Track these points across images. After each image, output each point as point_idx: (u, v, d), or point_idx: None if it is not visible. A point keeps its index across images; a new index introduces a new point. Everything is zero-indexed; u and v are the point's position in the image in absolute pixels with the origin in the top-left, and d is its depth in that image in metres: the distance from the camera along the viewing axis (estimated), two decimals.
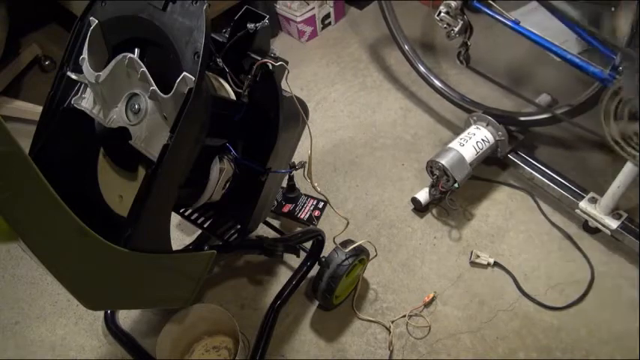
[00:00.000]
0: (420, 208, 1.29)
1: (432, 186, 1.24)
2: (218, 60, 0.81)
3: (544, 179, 1.24)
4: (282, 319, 1.10)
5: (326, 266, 1.03)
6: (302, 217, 1.31)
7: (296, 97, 0.86)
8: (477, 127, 1.28)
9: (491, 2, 1.19)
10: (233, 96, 0.84)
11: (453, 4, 1.21)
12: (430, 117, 1.53)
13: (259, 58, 0.80)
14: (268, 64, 0.79)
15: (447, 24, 1.25)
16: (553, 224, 1.23)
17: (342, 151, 1.46)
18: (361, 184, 1.38)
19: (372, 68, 1.71)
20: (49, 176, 0.58)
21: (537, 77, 1.54)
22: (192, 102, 0.67)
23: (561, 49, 1.11)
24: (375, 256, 1.18)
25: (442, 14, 1.24)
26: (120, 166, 0.83)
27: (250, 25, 0.78)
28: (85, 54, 0.76)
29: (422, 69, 1.51)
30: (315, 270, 1.08)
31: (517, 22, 1.16)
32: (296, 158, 1.03)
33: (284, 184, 1.31)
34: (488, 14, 1.20)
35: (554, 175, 1.25)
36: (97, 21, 0.77)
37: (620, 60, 1.00)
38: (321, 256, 1.10)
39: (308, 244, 1.12)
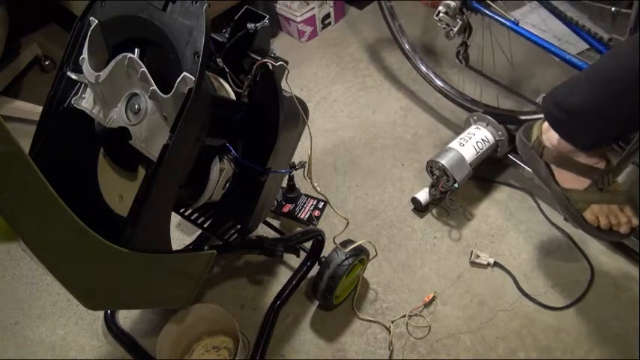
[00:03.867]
0: (420, 208, 1.29)
1: (432, 186, 1.24)
2: (218, 60, 0.81)
3: None
4: (282, 319, 1.10)
5: (326, 266, 1.03)
6: (302, 217, 1.31)
7: (296, 97, 0.86)
8: (477, 127, 1.28)
9: (489, 2, 1.19)
10: (233, 96, 0.84)
11: (452, 4, 1.22)
12: (430, 117, 1.53)
13: (259, 58, 0.80)
14: (268, 64, 0.79)
15: (446, 24, 1.25)
16: (553, 224, 1.23)
17: (342, 151, 1.46)
18: (361, 184, 1.38)
19: (372, 68, 1.71)
20: (49, 176, 0.58)
21: (537, 77, 1.54)
22: (192, 102, 0.67)
23: (560, 50, 1.11)
24: (375, 256, 1.18)
25: (441, 14, 1.24)
26: (120, 166, 0.83)
27: (250, 25, 0.78)
28: (85, 54, 0.76)
29: (422, 68, 1.51)
30: (315, 270, 1.08)
31: (516, 23, 1.16)
32: (296, 158, 1.03)
33: (284, 184, 1.31)
34: (487, 14, 1.20)
35: None
36: (97, 21, 0.77)
37: None
38: (321, 256, 1.10)
39: (308, 244, 1.13)
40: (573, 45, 1.29)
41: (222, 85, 0.84)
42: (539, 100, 1.33)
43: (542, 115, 1.25)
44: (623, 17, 1.00)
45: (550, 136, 0.97)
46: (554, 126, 0.95)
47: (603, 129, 0.88)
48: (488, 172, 1.34)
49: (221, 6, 1.68)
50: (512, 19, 1.16)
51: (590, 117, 0.87)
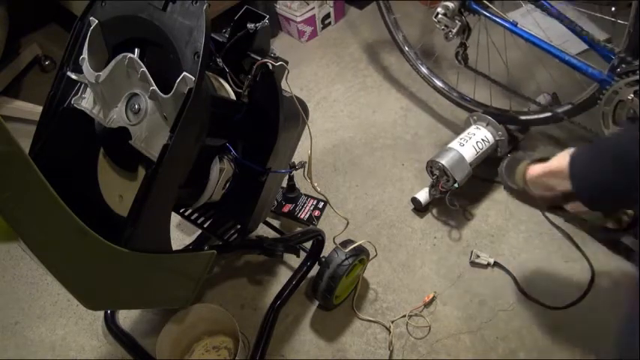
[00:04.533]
0: (420, 208, 1.29)
1: (432, 186, 1.24)
2: (218, 60, 0.81)
3: None
4: (282, 319, 1.10)
5: (326, 266, 1.03)
6: (302, 217, 1.31)
7: (296, 97, 0.87)
8: (477, 127, 1.28)
9: (487, 3, 1.19)
10: (233, 96, 0.84)
11: (451, 5, 1.21)
12: (430, 117, 1.53)
13: (259, 58, 0.80)
14: (268, 64, 0.79)
15: (445, 25, 1.25)
16: (553, 224, 1.23)
17: (342, 151, 1.46)
18: (361, 184, 1.38)
19: (372, 68, 1.71)
20: (49, 176, 0.58)
21: (537, 77, 1.54)
22: (192, 102, 0.67)
23: (559, 51, 1.11)
24: (375, 256, 1.18)
25: (440, 16, 1.24)
26: (120, 166, 0.83)
27: (250, 25, 0.78)
28: (85, 54, 0.76)
29: (422, 68, 1.51)
30: (315, 270, 1.08)
31: (515, 24, 1.16)
32: (296, 158, 1.03)
33: (284, 184, 1.31)
34: (486, 16, 1.20)
35: None
36: (97, 21, 0.77)
37: (617, 62, 1.01)
38: (321, 256, 1.10)
39: (308, 244, 1.13)
40: (572, 45, 1.29)
41: (222, 85, 0.84)
42: (539, 99, 1.33)
43: (541, 116, 1.26)
44: (622, 16, 1.00)
45: (547, 185, 0.90)
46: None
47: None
48: (488, 172, 1.34)
49: (221, 6, 1.68)
50: (511, 20, 1.16)
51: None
